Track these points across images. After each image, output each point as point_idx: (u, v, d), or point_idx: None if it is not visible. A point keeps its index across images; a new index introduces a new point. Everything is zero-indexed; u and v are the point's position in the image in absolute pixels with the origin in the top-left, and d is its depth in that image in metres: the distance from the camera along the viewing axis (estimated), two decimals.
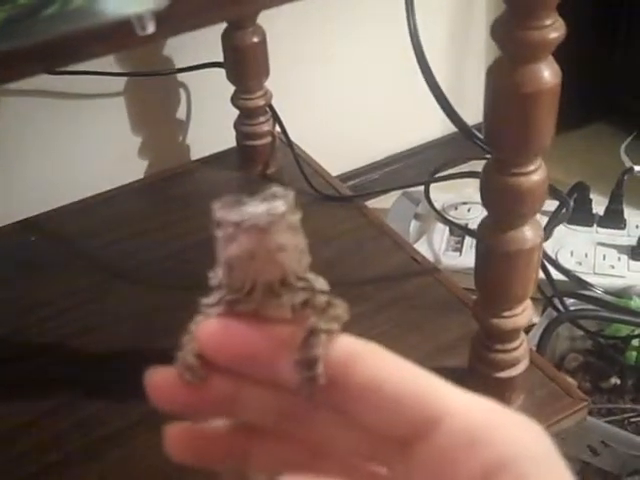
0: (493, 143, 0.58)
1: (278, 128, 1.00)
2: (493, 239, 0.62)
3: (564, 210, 1.04)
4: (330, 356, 0.29)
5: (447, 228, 1.15)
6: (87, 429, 0.71)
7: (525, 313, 0.66)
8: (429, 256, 1.04)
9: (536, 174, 0.58)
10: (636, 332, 0.92)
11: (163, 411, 0.69)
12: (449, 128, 1.34)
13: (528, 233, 0.61)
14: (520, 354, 0.69)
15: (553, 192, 1.10)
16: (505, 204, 0.60)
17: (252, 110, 0.97)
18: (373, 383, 0.29)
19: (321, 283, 0.32)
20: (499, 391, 0.70)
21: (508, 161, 0.58)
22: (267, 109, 0.99)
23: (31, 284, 0.87)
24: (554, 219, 1.03)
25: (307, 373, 0.29)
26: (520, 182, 0.58)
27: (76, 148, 1.01)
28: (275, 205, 0.30)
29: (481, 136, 0.70)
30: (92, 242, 0.91)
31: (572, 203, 1.14)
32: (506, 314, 0.66)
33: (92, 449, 0.69)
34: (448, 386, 0.29)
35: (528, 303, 0.67)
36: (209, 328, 0.31)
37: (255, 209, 0.29)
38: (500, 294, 0.65)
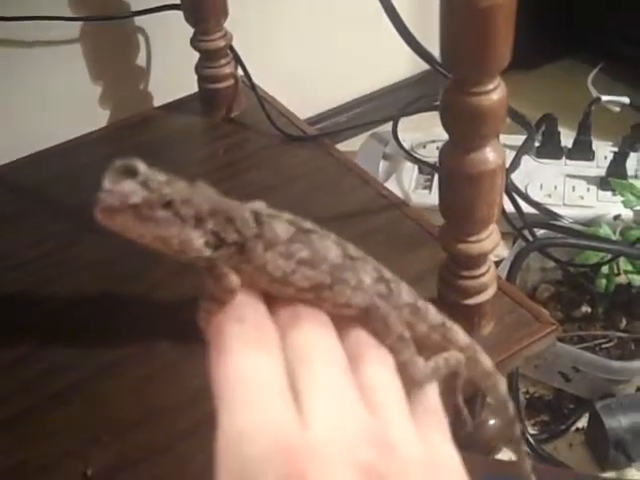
0: (450, 62, 0.57)
1: (241, 71, 0.99)
2: (455, 162, 0.61)
3: (531, 141, 1.04)
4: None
5: (416, 167, 1.15)
6: (54, 377, 0.70)
7: (491, 238, 0.66)
8: (399, 195, 1.04)
9: (495, 93, 0.57)
10: (605, 259, 0.92)
11: (128, 359, 0.69)
12: (417, 68, 1.34)
13: (490, 155, 0.60)
14: (488, 280, 0.69)
15: (520, 120, 1.10)
16: (466, 125, 0.59)
17: (212, 52, 0.95)
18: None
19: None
20: (468, 318, 0.70)
21: (466, 80, 0.57)
22: (228, 51, 0.97)
23: None
24: (522, 148, 1.03)
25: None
26: (480, 101, 0.57)
27: (34, 99, 0.99)
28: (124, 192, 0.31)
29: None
30: (54, 193, 0.90)
31: (540, 135, 1.14)
32: (472, 239, 0.65)
33: (59, 397, 0.68)
34: None
35: (494, 227, 0.66)
36: None
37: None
38: (465, 218, 0.64)
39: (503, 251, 1.01)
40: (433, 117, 1.18)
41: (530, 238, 0.93)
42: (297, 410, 0.30)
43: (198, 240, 0.33)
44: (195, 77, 0.99)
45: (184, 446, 0.63)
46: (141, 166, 0.32)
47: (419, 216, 0.85)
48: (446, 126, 0.60)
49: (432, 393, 0.37)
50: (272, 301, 0.34)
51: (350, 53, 1.23)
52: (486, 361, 0.42)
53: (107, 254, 0.80)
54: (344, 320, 0.35)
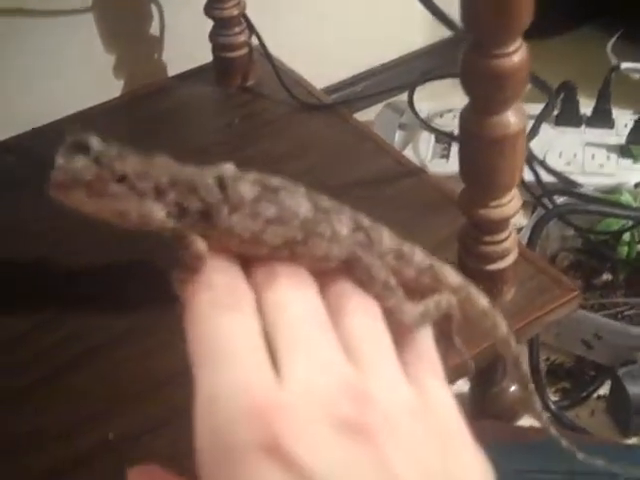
0: (471, 22, 0.56)
1: (256, 41, 0.98)
2: (476, 126, 0.60)
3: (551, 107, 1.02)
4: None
5: (433, 136, 1.14)
6: (69, 344, 0.70)
7: (512, 203, 0.65)
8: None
9: (517, 55, 0.56)
10: (626, 227, 0.91)
11: (144, 323, 0.68)
12: (433, 37, 1.32)
13: (512, 118, 0.59)
14: (509, 245, 0.68)
15: (540, 85, 1.08)
16: (487, 88, 0.58)
17: (226, 20, 0.94)
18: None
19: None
20: (489, 284, 0.69)
21: (487, 42, 0.56)
22: (242, 19, 0.96)
23: (12, 204, 0.85)
24: (542, 115, 1.01)
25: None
26: (501, 64, 0.56)
27: (49, 68, 0.98)
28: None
29: None
30: None
31: (559, 103, 1.12)
32: (493, 204, 0.64)
33: (78, 363, 0.68)
34: None
35: (515, 193, 0.65)
36: None
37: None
38: (486, 183, 0.64)
39: (522, 219, 1.00)
40: (449, 86, 1.18)
41: (549, 205, 0.93)
42: (274, 370, 0.29)
43: (159, 212, 0.33)
44: (209, 46, 0.98)
45: None
46: (94, 142, 0.32)
47: (438, 183, 0.84)
48: (467, 89, 0.59)
49: (424, 338, 0.36)
50: (248, 262, 0.33)
51: (366, 21, 1.22)
52: (482, 300, 0.40)
53: None
54: (326, 274, 0.34)
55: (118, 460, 0.60)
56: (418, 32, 1.31)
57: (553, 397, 0.86)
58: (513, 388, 0.81)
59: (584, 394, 0.86)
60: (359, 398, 0.28)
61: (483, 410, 0.81)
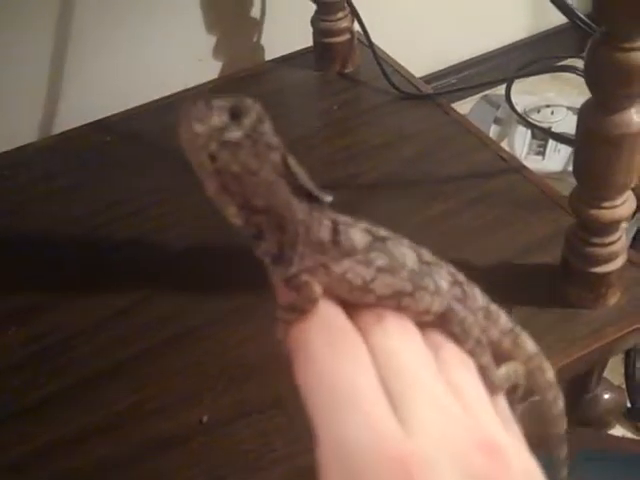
0: (603, 12, 0.53)
1: (357, 26, 0.97)
2: (596, 122, 0.58)
3: None
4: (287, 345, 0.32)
5: (529, 132, 1.11)
6: (167, 323, 0.70)
7: (626, 204, 0.63)
8: None
9: None
10: None
11: (243, 308, 0.68)
12: (532, 29, 1.29)
13: (635, 116, 0.57)
14: (618, 248, 0.65)
15: None
16: (612, 83, 0.55)
17: (330, 5, 0.94)
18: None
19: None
20: (594, 287, 0.67)
21: (618, 34, 0.53)
22: (345, 5, 0.95)
23: (107, 183, 0.86)
24: None
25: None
26: (630, 58, 0.54)
27: (150, 49, 0.99)
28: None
29: (587, 20, 0.65)
30: (166, 142, 0.89)
31: None
32: (606, 204, 0.62)
33: (173, 343, 0.69)
34: None
35: (629, 194, 0.63)
36: None
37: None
38: (600, 183, 0.61)
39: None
40: (548, 80, 1.15)
41: None
42: (397, 418, 0.29)
43: (234, 217, 0.32)
44: (310, 31, 0.98)
45: (299, 402, 0.63)
46: (251, 115, 0.30)
47: (539, 180, 0.82)
48: (590, 83, 0.57)
49: (502, 401, 0.35)
50: (351, 308, 0.33)
51: (465, 12, 1.20)
52: (550, 372, 0.39)
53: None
54: (422, 326, 0.34)
55: (211, 443, 0.60)
56: (517, 24, 1.28)
57: None
58: (607, 396, 0.78)
59: None
60: (490, 451, 0.29)
61: (575, 417, 0.78)
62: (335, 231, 0.32)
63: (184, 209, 0.82)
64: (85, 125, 0.94)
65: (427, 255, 0.34)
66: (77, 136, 0.94)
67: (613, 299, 0.68)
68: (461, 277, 0.36)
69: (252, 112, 0.30)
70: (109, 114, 0.95)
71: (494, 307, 0.37)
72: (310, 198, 0.32)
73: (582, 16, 0.66)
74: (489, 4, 1.22)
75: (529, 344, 0.38)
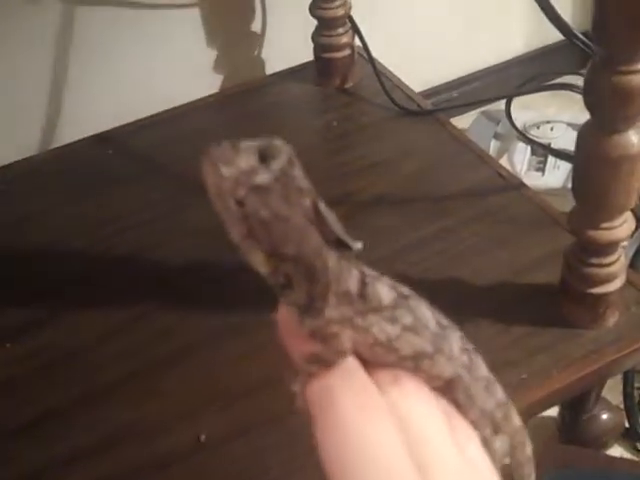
0: (602, 36, 0.53)
1: (357, 41, 0.97)
2: (595, 143, 0.58)
3: None
4: (306, 397, 0.30)
5: (529, 148, 1.11)
6: (166, 340, 0.70)
7: (625, 225, 0.63)
8: None
9: None
10: None
11: (242, 324, 0.67)
12: (530, 46, 1.29)
13: (634, 138, 0.57)
14: (617, 269, 0.65)
15: None
16: (611, 105, 0.55)
17: (331, 20, 0.94)
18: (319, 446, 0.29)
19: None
20: (592, 307, 0.67)
21: (617, 57, 0.53)
22: (346, 20, 0.95)
23: (108, 197, 0.86)
24: None
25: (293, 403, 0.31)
26: (629, 80, 0.54)
27: (152, 62, 0.99)
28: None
29: (584, 39, 0.65)
30: (167, 156, 0.90)
31: None
32: (605, 225, 0.62)
33: (171, 360, 0.68)
34: None
35: (628, 215, 0.63)
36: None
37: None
38: (599, 204, 0.61)
39: None
40: (548, 96, 1.15)
41: None
42: None
43: (260, 264, 0.30)
44: (311, 46, 0.98)
45: (294, 418, 0.62)
46: (282, 158, 0.29)
47: (538, 198, 0.82)
48: (589, 105, 0.57)
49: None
50: (367, 366, 0.32)
51: (465, 26, 1.20)
52: (529, 448, 0.38)
53: (219, 219, 0.80)
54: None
55: (209, 461, 0.60)
56: (516, 40, 1.28)
57: None
58: (605, 416, 0.78)
59: None
60: None
61: (572, 437, 0.78)
62: (363, 283, 0.31)
63: (183, 224, 0.82)
64: (86, 138, 0.94)
65: (443, 318, 0.33)
66: (79, 149, 0.94)
67: (612, 319, 0.68)
68: (469, 345, 0.34)
69: (282, 154, 0.29)
70: (110, 127, 0.95)
71: (492, 377, 0.35)
72: (338, 245, 0.30)
73: (580, 35, 0.66)
74: (489, 19, 1.22)
75: (516, 418, 0.36)
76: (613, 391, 0.81)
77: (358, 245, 0.31)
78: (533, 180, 1.06)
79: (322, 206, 0.29)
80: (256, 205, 0.28)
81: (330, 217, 0.30)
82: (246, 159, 0.28)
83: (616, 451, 0.80)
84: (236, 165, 0.28)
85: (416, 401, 0.31)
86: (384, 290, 0.31)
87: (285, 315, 0.32)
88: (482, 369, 0.35)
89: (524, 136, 1.11)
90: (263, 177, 0.28)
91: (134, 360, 0.68)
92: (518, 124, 1.12)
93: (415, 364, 0.31)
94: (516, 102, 1.12)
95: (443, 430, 0.30)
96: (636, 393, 0.85)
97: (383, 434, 0.29)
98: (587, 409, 0.76)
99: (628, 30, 0.52)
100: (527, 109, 1.16)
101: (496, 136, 1.15)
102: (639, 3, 0.50)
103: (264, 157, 0.28)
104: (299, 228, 0.29)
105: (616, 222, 0.62)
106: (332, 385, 0.29)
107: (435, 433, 0.30)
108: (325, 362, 0.30)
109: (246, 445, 0.61)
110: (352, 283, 0.31)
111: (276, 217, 0.28)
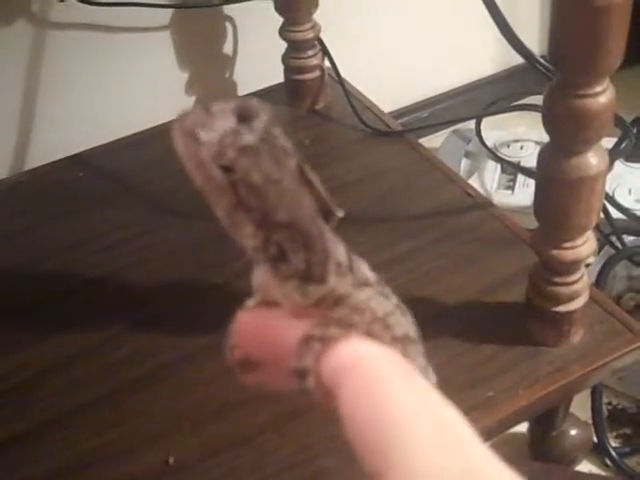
0: (558, 61, 0.55)
1: (327, 63, 0.98)
2: (555, 166, 0.59)
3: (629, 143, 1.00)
4: (322, 369, 0.27)
5: (499, 166, 1.13)
6: (135, 363, 0.70)
7: (587, 245, 0.64)
8: None
9: (603, 96, 0.55)
10: None
11: (210, 349, 0.67)
12: (499, 66, 1.31)
13: (592, 159, 0.58)
14: (580, 287, 0.67)
15: (616, 121, 1.06)
16: (569, 128, 0.57)
17: (300, 43, 0.95)
18: (347, 416, 0.26)
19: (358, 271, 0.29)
20: (557, 325, 0.68)
21: (574, 82, 0.55)
22: (316, 42, 0.96)
23: (80, 219, 0.86)
24: (615, 150, 0.99)
25: (299, 383, 0.27)
26: (586, 104, 0.55)
27: (122, 83, 1.00)
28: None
29: (545, 63, 0.67)
30: (140, 178, 0.90)
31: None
32: (567, 245, 0.63)
33: (141, 382, 0.69)
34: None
35: (590, 234, 0.64)
36: (237, 320, 0.31)
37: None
38: (561, 224, 0.62)
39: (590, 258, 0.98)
40: (517, 116, 1.16)
41: (618, 245, 0.91)
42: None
43: (249, 239, 0.28)
44: (281, 67, 0.99)
45: (264, 439, 0.63)
46: (263, 120, 0.25)
47: (505, 217, 0.83)
48: (548, 128, 0.58)
49: None
50: None
51: (434, 48, 1.22)
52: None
53: (190, 241, 0.81)
54: None
55: None
56: (486, 60, 1.30)
57: (614, 443, 0.83)
58: (573, 432, 0.79)
59: None
60: None
61: (542, 453, 0.79)
62: (350, 257, 0.29)
63: (157, 245, 0.82)
64: (58, 161, 0.95)
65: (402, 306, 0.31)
66: (50, 171, 0.94)
67: (577, 337, 0.69)
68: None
69: (262, 113, 0.26)
70: (81, 150, 0.95)
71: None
72: (322, 212, 0.28)
73: (539, 59, 0.67)
74: (458, 40, 1.23)
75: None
76: (582, 407, 0.82)
77: (341, 213, 0.29)
78: (503, 198, 1.07)
79: (307, 168, 0.27)
80: (246, 168, 0.25)
81: (316, 180, 0.28)
82: (224, 121, 0.25)
83: (585, 467, 0.81)
84: (215, 128, 0.25)
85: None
86: (366, 267, 0.30)
87: (280, 296, 0.29)
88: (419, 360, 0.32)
89: (494, 155, 1.12)
90: (249, 137, 0.25)
91: (104, 382, 0.68)
92: (489, 143, 1.13)
93: (404, 348, 0.30)
94: (487, 121, 1.13)
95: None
96: (604, 409, 0.86)
97: (419, 398, 0.26)
98: (556, 425, 0.77)
99: (587, 54, 0.53)
100: (497, 129, 1.17)
101: (467, 155, 1.16)
102: (594, 29, 0.51)
103: (242, 118, 0.25)
104: (291, 191, 0.27)
105: (578, 241, 0.63)
106: (372, 355, 0.27)
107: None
108: (344, 323, 0.28)
109: (216, 467, 0.61)
110: (341, 254, 0.29)
111: (268, 180, 0.26)
